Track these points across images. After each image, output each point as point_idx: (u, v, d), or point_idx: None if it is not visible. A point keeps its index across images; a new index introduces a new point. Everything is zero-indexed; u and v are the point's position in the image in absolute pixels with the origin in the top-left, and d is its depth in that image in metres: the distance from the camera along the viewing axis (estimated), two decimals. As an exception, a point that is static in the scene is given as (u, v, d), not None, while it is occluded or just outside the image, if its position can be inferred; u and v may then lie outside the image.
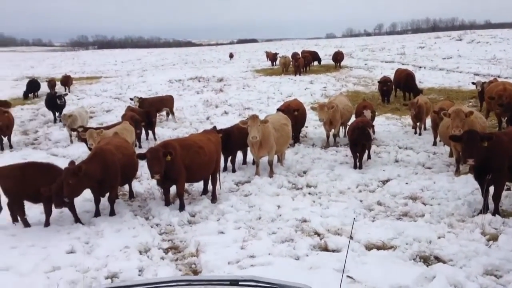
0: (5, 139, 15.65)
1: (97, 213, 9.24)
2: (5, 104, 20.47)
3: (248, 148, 12.14)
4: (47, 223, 8.77)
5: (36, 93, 28.56)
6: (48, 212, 8.74)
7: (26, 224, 8.83)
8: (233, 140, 11.87)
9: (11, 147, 15.64)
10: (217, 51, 78.00)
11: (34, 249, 7.70)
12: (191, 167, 9.42)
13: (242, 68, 40.76)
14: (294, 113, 13.35)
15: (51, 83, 29.44)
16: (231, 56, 55.83)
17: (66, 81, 31.04)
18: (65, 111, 19.04)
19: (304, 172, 11.84)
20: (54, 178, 8.44)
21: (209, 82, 31.04)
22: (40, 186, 8.30)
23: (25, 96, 27.68)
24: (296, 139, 14.07)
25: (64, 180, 8.21)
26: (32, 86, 28.67)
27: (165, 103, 19.16)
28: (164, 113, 19.71)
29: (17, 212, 8.82)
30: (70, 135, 15.91)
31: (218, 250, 7.49)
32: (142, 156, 9.08)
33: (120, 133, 11.51)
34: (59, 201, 8.28)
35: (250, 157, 12.62)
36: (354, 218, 6.02)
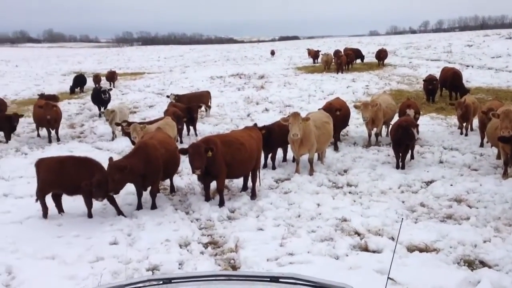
0: (53, 132, 16.17)
1: (139, 206, 9.42)
2: (54, 98, 21.16)
3: (289, 146, 12.09)
4: (89, 215, 9.02)
5: (82, 88, 29.37)
6: (88, 205, 8.99)
7: (60, 209, 9.22)
8: (273, 137, 11.84)
9: (58, 140, 16.15)
10: (259, 48, 78.02)
11: (79, 240, 7.93)
12: (231, 163, 9.45)
13: (283, 65, 40.63)
14: (336, 112, 13.17)
15: (97, 78, 30.22)
16: (272, 53, 55.72)
17: (111, 76, 31.76)
18: (109, 106, 19.55)
19: (345, 171, 11.69)
20: (91, 172, 8.70)
21: (250, 79, 31.10)
22: (76, 179, 8.58)
23: (72, 90, 28.50)
24: (336, 138, 13.87)
25: (109, 176, 8.42)
26: (79, 81, 29.49)
27: (201, 98, 19.26)
28: (203, 108, 19.89)
29: (41, 202, 9.04)
30: (113, 132, 16.24)
31: (257, 246, 7.51)
32: (184, 151, 9.21)
33: (162, 128, 11.68)
34: (99, 194, 8.53)
35: (290, 154, 12.57)
36: (402, 219, 5.88)
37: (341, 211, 8.90)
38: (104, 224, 8.62)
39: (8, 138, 15.61)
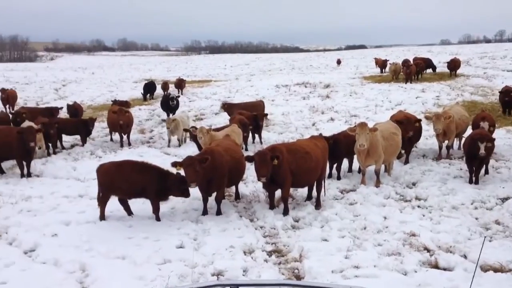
0: (124, 137, 16.85)
1: (205, 212, 9.60)
2: (126, 104, 22.10)
3: (354, 156, 11.90)
4: (157, 218, 9.32)
5: (152, 95, 30.42)
6: (156, 208, 9.31)
7: (129, 212, 9.56)
8: (339, 147, 11.71)
9: (129, 144, 16.79)
10: (324, 57, 77.56)
11: (148, 241, 8.19)
12: (297, 172, 9.43)
13: (349, 74, 40.11)
14: (415, 124, 12.82)
15: (166, 85, 31.21)
16: (338, 62, 55.20)
17: (180, 83, 32.68)
18: (178, 112, 20.14)
19: (413, 184, 11.34)
20: (149, 175, 9.12)
21: (315, 88, 30.95)
22: (135, 183, 9.02)
23: (145, 97, 29.56)
24: (408, 152, 13.40)
25: (190, 166, 8.75)
26: (149, 88, 30.60)
27: (255, 108, 19.33)
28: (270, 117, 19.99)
29: (101, 205, 9.40)
30: (169, 140, 16.49)
31: (321, 257, 7.43)
32: (250, 159, 9.31)
33: (228, 135, 11.87)
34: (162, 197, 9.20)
35: (355, 165, 12.36)
36: (485, 237, 5.62)
37: (409, 225, 8.63)
38: (172, 228, 8.86)
39: (84, 141, 16.44)
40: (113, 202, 9.78)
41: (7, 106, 24.32)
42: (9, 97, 24.55)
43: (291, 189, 10.08)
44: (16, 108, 22.88)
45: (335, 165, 12.17)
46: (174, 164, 9.14)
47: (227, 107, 19.72)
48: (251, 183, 11.44)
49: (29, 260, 7.58)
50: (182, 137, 16.62)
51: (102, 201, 9.35)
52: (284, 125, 19.62)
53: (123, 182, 9.12)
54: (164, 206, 9.70)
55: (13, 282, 6.69)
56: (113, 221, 9.24)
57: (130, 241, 8.20)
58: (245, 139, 14.95)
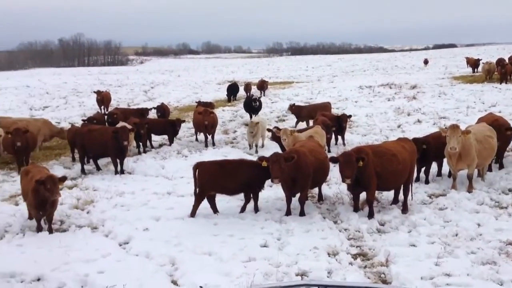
0: (209, 137, 17.31)
1: (288, 212, 9.63)
2: (210, 105, 22.71)
3: (444, 159, 11.38)
4: (256, 209, 9.77)
5: (235, 96, 31.02)
6: (257, 200, 9.77)
7: (215, 210, 9.82)
8: (428, 150, 11.25)
9: (214, 144, 17.22)
10: (410, 57, 75.01)
11: (233, 239, 8.37)
12: (382, 174, 9.20)
13: (438, 74, 38.46)
14: (507, 132, 11.98)
15: (248, 87, 31.68)
16: (425, 62, 53.11)
17: (262, 85, 33.04)
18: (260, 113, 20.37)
19: (510, 190, 10.63)
20: (249, 171, 9.44)
21: (401, 89, 30.00)
22: (237, 180, 9.34)
23: (229, 99, 30.23)
24: (501, 157, 12.56)
25: (276, 163, 8.94)
26: (232, 89, 31.24)
27: (323, 110, 18.98)
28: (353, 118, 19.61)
29: (196, 202, 9.68)
30: (250, 144, 16.21)
31: (409, 263, 7.20)
32: (334, 160, 9.23)
33: (312, 136, 11.83)
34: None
35: (445, 168, 11.82)
36: None
37: (506, 234, 8.10)
38: (256, 227, 8.98)
39: (171, 141, 17.11)
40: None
41: (102, 107, 25.91)
42: (104, 98, 26.13)
43: (376, 192, 9.84)
44: (110, 109, 24.33)
45: (423, 169, 11.70)
46: (261, 159, 9.38)
47: (295, 108, 19.67)
48: (334, 185, 11.32)
49: (124, 252, 8.04)
50: (262, 141, 16.60)
51: (198, 198, 9.68)
52: (367, 127, 19.20)
53: (228, 180, 9.47)
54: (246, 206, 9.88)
55: (110, 271, 7.12)
56: (199, 218, 9.53)
57: (216, 238, 8.43)
58: (328, 141, 14.81)
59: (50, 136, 16.64)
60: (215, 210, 9.84)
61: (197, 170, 9.69)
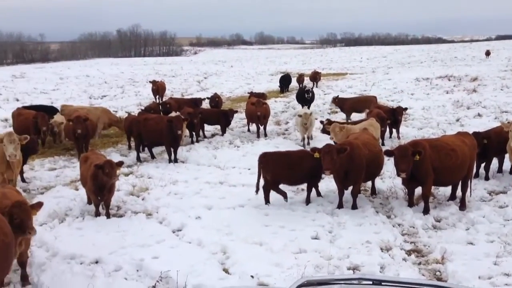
0: (261, 128, 17.34)
1: (340, 205, 9.51)
2: (262, 96, 22.73)
3: (506, 155, 10.87)
4: (319, 194, 9.95)
5: (287, 87, 30.89)
6: (317, 188, 9.87)
7: (267, 201, 9.83)
8: (489, 145, 10.77)
9: (265, 135, 17.24)
10: (471, 48, 71.98)
11: (284, 230, 8.36)
12: (440, 169, 8.90)
13: (500, 67, 36.70)
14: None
15: (301, 78, 31.46)
16: (487, 53, 50.76)
17: (315, 76, 32.75)
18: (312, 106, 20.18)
19: None
20: (311, 163, 9.42)
21: (460, 82, 28.88)
22: (301, 171, 9.40)
23: (282, 90, 30.17)
24: None
25: (328, 154, 8.88)
26: (284, 80, 31.13)
27: (368, 103, 18.46)
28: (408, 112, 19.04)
29: (266, 191, 9.79)
30: (303, 138, 15.73)
31: (466, 261, 6.95)
32: (389, 153, 9.02)
33: (366, 129, 11.61)
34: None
35: (506, 164, 11.29)
36: None
37: None
38: (307, 219, 8.93)
39: (223, 131, 17.28)
40: (247, 191, 10.22)
41: (157, 96, 26.51)
42: (159, 88, 26.72)
43: (433, 187, 9.54)
44: (164, 98, 24.87)
45: (483, 164, 11.22)
46: (313, 150, 9.33)
47: (339, 101, 19.33)
48: (388, 179, 11.06)
49: (177, 239, 8.21)
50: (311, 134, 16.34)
51: (269, 187, 9.80)
52: (424, 120, 18.62)
53: (294, 170, 9.58)
54: (297, 198, 9.84)
55: (164, 257, 7.29)
56: (250, 209, 9.58)
57: (267, 229, 8.45)
58: (382, 134, 14.49)
59: (108, 124, 17.20)
60: (267, 201, 9.87)
61: (263, 160, 9.77)
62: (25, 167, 12.07)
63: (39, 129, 14.43)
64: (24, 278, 6.67)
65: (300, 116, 15.00)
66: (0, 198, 6.41)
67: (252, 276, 6.62)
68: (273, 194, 9.96)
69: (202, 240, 7.97)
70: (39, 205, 6.52)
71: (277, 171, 9.62)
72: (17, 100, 26.31)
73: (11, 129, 14.71)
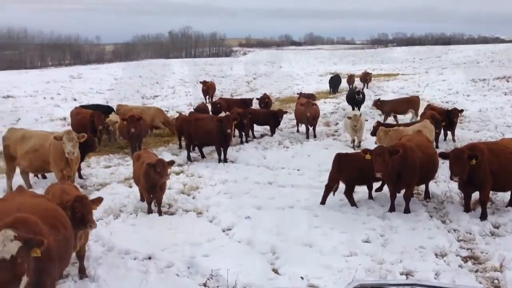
0: (310, 129, 17.18)
1: (392, 209, 9.30)
2: (312, 97, 22.59)
3: None
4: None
5: (337, 88, 30.55)
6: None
7: (353, 203, 9.67)
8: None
9: (315, 136, 17.10)
10: (532, 47, 68.79)
11: (334, 232, 8.27)
12: (499, 174, 8.54)
13: None
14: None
15: (351, 79, 31.04)
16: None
17: (365, 77, 32.23)
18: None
19: None
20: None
21: (520, 83, 27.69)
22: (370, 172, 9.03)
23: (333, 91, 29.88)
24: None
25: (379, 155, 8.74)
26: (334, 81, 30.82)
27: (411, 104, 17.83)
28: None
29: (349, 195, 9.69)
30: (353, 140, 15.58)
31: (527, 270, 6.63)
32: (445, 156, 8.74)
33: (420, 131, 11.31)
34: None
35: None
36: None
37: None
38: (357, 222, 8.80)
39: (273, 132, 17.29)
40: (296, 192, 10.17)
41: (207, 97, 26.87)
42: (209, 88, 27.08)
43: (491, 192, 9.16)
44: (214, 99, 25.17)
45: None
46: (365, 152, 9.18)
47: (380, 103, 18.85)
48: (443, 183, 10.73)
49: (227, 238, 8.28)
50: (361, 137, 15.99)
51: (349, 191, 9.71)
52: (481, 123, 17.95)
53: (370, 172, 9.32)
54: (346, 201, 9.72)
55: (214, 255, 7.38)
56: (299, 210, 9.53)
57: (316, 230, 8.38)
58: (436, 136, 14.06)
59: (161, 124, 17.58)
60: (324, 201, 9.79)
61: (340, 161, 9.72)
62: (82, 164, 12.51)
63: (96, 127, 14.93)
64: (82, 271, 6.92)
65: (349, 118, 14.76)
66: (61, 194, 6.69)
67: (302, 278, 6.59)
68: (318, 194, 9.88)
69: (252, 240, 8.00)
70: (99, 200, 6.78)
71: (354, 172, 9.50)
72: (75, 99, 27.34)
73: (69, 128, 15.32)
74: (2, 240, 4.43)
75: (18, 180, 10.91)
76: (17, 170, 11.21)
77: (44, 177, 12.31)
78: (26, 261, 4.53)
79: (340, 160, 9.69)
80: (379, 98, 20.23)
